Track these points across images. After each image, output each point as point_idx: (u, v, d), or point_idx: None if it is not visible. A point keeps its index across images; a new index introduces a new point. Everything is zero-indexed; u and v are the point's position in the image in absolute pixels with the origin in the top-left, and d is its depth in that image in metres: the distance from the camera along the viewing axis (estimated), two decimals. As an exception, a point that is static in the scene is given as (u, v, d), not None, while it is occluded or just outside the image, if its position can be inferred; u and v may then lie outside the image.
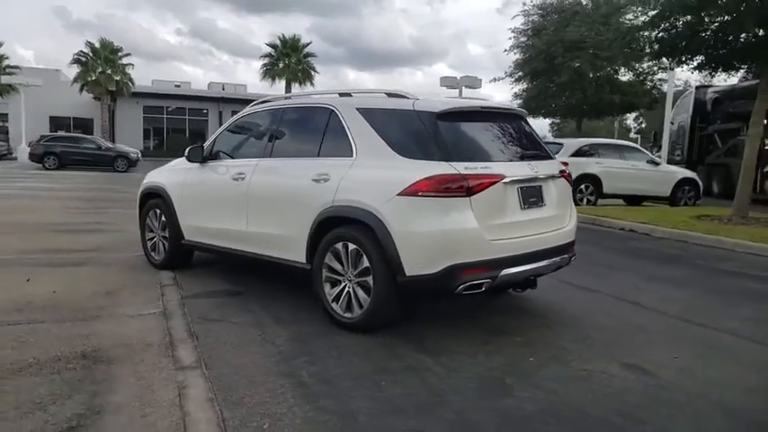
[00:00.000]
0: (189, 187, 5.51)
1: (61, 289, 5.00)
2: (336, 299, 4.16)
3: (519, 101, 24.16)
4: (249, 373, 3.35)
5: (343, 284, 4.13)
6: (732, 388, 3.32)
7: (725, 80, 20.26)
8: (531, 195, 4.12)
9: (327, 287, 4.23)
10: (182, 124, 43.04)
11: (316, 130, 4.59)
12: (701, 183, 15.18)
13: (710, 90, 21.92)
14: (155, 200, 5.99)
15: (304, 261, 4.41)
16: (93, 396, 3.00)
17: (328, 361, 3.57)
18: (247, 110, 5.37)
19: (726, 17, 9.57)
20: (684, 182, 14.70)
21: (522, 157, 4.26)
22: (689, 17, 9.87)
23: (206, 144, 5.48)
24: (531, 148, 4.47)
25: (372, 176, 3.98)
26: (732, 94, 19.66)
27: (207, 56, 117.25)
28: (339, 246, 4.09)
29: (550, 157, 4.58)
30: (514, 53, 23.69)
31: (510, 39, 23.84)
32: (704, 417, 2.96)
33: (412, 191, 3.71)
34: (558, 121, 46.31)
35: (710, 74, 11.21)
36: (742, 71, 10.97)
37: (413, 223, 3.72)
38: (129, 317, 4.36)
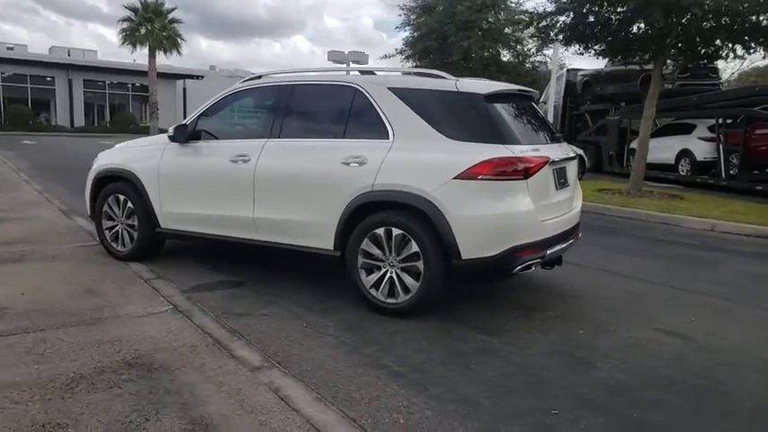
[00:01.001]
0: (167, 170, 4.99)
1: (26, 290, 4.35)
2: (376, 285, 4.06)
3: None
4: (334, 368, 3.20)
5: (383, 270, 4.03)
6: (763, 345, 3.77)
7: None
8: (561, 177, 4.30)
9: (363, 274, 4.11)
10: (22, 93, 37.93)
11: (337, 109, 4.39)
12: (586, 159, 16.61)
13: (580, 73, 23.97)
14: (115, 184, 5.36)
15: (331, 248, 4.24)
16: (184, 409, 2.70)
17: (398, 348, 3.51)
18: (238, 86, 4.95)
19: (627, 10, 10.51)
20: (574, 158, 15.97)
21: (552, 139, 4.41)
22: (596, 8, 10.71)
23: (187, 122, 4.99)
24: (552, 131, 4.64)
25: (421, 160, 3.91)
26: (599, 78, 21.67)
27: (31, 14, 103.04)
28: (380, 231, 3.98)
29: (562, 139, 4.80)
30: (405, 30, 24.01)
31: (400, 16, 24.10)
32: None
33: (471, 174, 3.71)
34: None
35: (611, 60, 12.21)
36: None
37: (472, 207, 3.72)
38: (138, 317, 3.91)
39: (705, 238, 7.81)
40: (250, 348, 3.43)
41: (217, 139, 4.93)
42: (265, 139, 4.57)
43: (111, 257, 5.41)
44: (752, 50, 10.37)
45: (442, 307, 4.17)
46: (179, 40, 41.09)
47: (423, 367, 3.24)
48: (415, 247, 3.86)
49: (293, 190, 4.38)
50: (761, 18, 9.73)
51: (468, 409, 2.77)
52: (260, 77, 4.92)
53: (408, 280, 3.93)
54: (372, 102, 4.18)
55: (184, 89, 44.64)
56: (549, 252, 3.98)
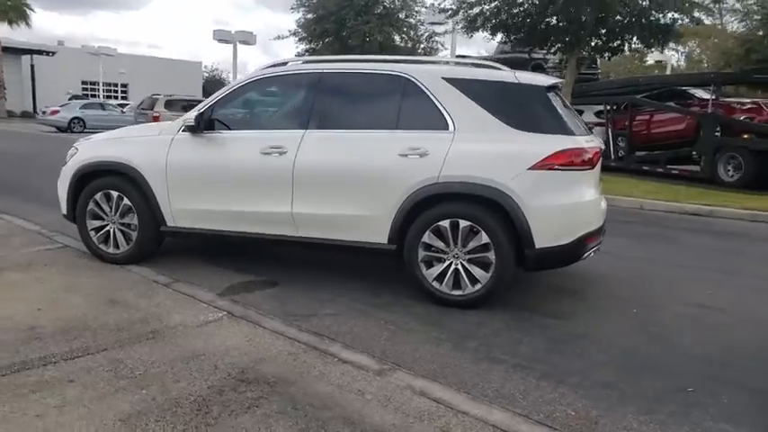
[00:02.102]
0: (178, 163, 4.53)
1: (38, 305, 3.79)
2: (439, 278, 4.04)
3: (303, 62, 24.02)
4: (456, 365, 3.17)
5: (447, 263, 4.02)
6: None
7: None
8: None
9: (424, 267, 4.07)
10: None
11: (386, 100, 4.25)
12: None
13: (467, 60, 24.82)
14: (105, 180, 4.76)
15: (385, 242, 4.14)
16: (351, 423, 2.55)
17: (496, 340, 3.55)
18: (262, 72, 4.59)
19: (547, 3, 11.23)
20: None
21: (588, 130, 4.62)
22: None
23: (201, 110, 4.54)
24: (583, 121, 4.85)
25: (491, 150, 3.93)
26: (492, 65, 22.73)
27: None
28: (445, 223, 3.96)
29: None
30: (300, 12, 23.44)
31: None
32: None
33: (546, 165, 3.80)
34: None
35: (531, 49, 12.90)
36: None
37: (548, 197, 3.83)
38: (197, 327, 3.57)
39: (642, 216, 8.59)
40: (352, 351, 3.29)
41: (236, 129, 4.57)
42: (303, 130, 4.31)
43: (100, 261, 4.83)
44: (651, 46, 11.53)
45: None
46: (27, 10, 36.78)
47: (537, 357, 3.31)
48: (485, 239, 3.89)
49: (341, 183, 4.19)
50: (661, 17, 10.87)
51: (616, 394, 2.90)
52: (285, 64, 4.61)
53: (477, 271, 3.95)
54: (427, 92, 4.11)
55: (32, 66, 40.02)
56: (602, 238, 4.21)
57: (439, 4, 13.79)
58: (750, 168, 11.69)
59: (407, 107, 4.17)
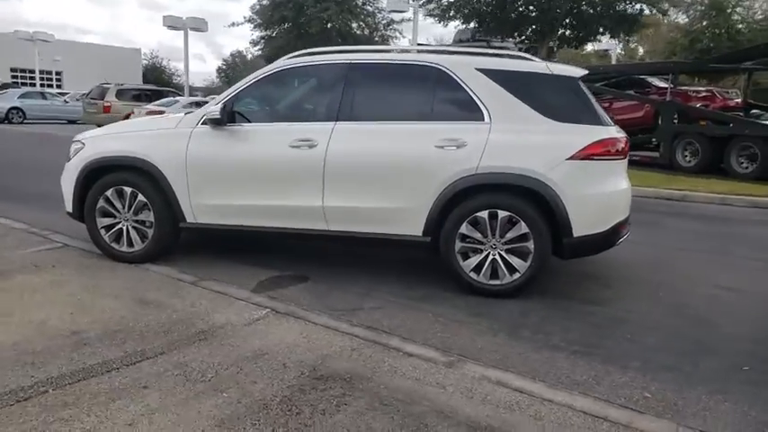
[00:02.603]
0: (200, 157, 4.37)
1: (68, 309, 3.61)
2: (477, 269, 4.08)
3: (258, 49, 23.52)
4: (518, 355, 3.23)
5: (485, 253, 4.06)
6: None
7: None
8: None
9: (461, 258, 4.10)
10: None
11: (419, 91, 4.23)
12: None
13: (429, 47, 25.02)
14: (117, 175, 4.56)
15: (419, 234, 4.14)
16: (446, 418, 2.55)
17: (548, 328, 3.62)
18: (286, 63, 4.45)
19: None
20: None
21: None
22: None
23: (224, 102, 4.40)
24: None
25: (530, 141, 3.97)
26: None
27: None
28: (483, 214, 3.99)
29: None
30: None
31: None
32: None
33: (585, 155, 3.89)
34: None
35: (490, 38, 13.10)
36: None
37: (587, 186, 3.92)
38: (246, 325, 3.47)
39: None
40: (414, 344, 3.28)
41: (259, 121, 4.44)
42: (333, 122, 4.23)
43: (111, 260, 4.63)
44: (617, 36, 11.94)
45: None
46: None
47: (592, 342, 3.40)
48: (524, 228, 3.95)
49: (375, 176, 4.15)
50: (627, 8, 11.25)
51: (682, 376, 3.01)
52: (310, 54, 4.50)
53: (516, 261, 4.01)
54: (460, 82, 4.12)
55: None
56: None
57: None
58: (706, 154, 12.28)
59: (441, 98, 4.17)
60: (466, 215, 4.02)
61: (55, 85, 43.34)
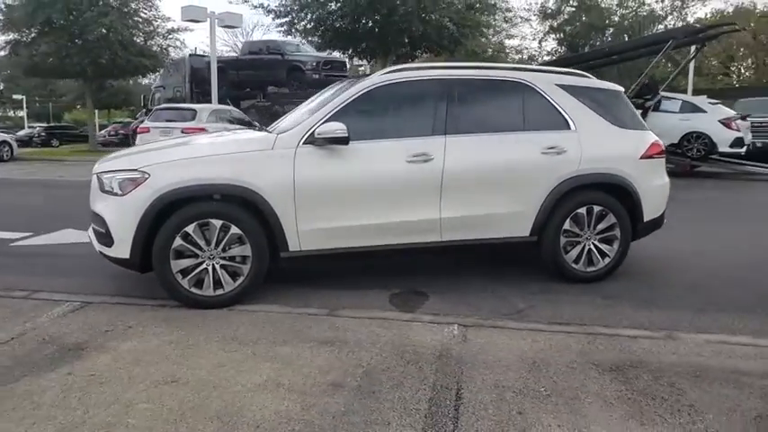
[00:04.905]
0: (311, 179, 4.00)
1: (264, 369, 3.13)
2: (577, 260, 4.61)
3: (4, 55, 19.48)
4: (715, 320, 3.84)
5: (582, 245, 4.62)
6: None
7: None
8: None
9: (563, 252, 4.59)
10: None
11: (511, 103, 4.54)
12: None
13: (206, 59, 23.88)
14: (203, 206, 3.90)
15: (527, 234, 4.51)
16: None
17: (685, 293, 4.40)
18: (378, 80, 4.28)
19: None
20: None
21: None
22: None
23: (319, 122, 4.09)
24: None
25: (612, 145, 4.62)
26: (238, 65, 22.43)
27: None
28: (582, 210, 4.55)
29: None
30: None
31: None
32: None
33: (649, 154, 4.72)
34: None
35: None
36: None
37: (652, 180, 4.75)
38: (462, 342, 3.47)
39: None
40: (624, 328, 3.68)
41: (365, 139, 4.22)
42: (443, 136, 4.32)
43: (190, 308, 3.94)
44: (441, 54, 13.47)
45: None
46: None
47: (733, 297, 4.33)
48: (612, 219, 4.61)
49: (490, 185, 4.37)
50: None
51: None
52: (403, 70, 4.45)
53: (606, 247, 4.66)
54: (546, 97, 4.59)
55: None
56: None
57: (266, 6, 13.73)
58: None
59: (531, 110, 4.57)
60: (568, 213, 4.52)
61: None
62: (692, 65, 22.20)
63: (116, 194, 3.90)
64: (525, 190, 4.43)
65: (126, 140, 30.77)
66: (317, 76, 20.53)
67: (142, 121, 26.66)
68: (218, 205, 3.93)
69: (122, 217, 3.84)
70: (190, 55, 24.68)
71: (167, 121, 13.31)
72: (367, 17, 11.38)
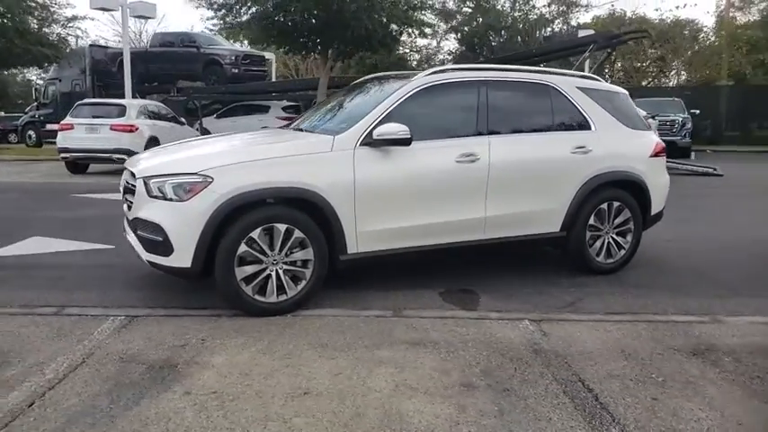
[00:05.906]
0: (370, 181, 3.96)
1: (394, 371, 3.12)
2: (598, 253, 4.92)
3: None
4: (740, 303, 4.26)
5: (603, 239, 4.94)
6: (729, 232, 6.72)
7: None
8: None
9: (587, 246, 4.88)
10: None
11: (540, 105, 4.74)
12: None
13: (110, 50, 22.19)
14: (268, 211, 3.76)
15: (557, 230, 4.75)
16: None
17: (701, 281, 4.78)
18: (422, 82, 4.28)
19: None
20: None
21: None
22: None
23: (374, 123, 4.06)
24: None
25: (628, 145, 4.97)
26: (147, 57, 21.03)
27: None
28: (604, 206, 4.86)
29: None
30: None
31: None
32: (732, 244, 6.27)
33: (657, 153, 5.13)
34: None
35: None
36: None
37: (659, 176, 5.17)
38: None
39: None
40: (674, 314, 4.00)
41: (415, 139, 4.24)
42: (487, 136, 4.44)
43: (252, 316, 3.79)
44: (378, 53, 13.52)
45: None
46: None
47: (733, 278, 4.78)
48: (628, 213, 4.97)
49: (531, 183, 4.56)
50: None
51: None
52: (444, 71, 4.48)
53: (621, 240, 5.01)
54: (570, 99, 4.84)
55: None
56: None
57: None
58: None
59: (558, 111, 4.81)
60: (592, 209, 4.81)
61: None
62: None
63: (172, 200, 3.63)
64: (558, 188, 4.66)
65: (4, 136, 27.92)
66: (237, 71, 19.87)
67: (34, 116, 24.62)
68: (281, 209, 3.79)
69: (184, 224, 3.59)
70: (90, 45, 22.89)
71: (93, 117, 12.27)
72: (316, 12, 11.22)
